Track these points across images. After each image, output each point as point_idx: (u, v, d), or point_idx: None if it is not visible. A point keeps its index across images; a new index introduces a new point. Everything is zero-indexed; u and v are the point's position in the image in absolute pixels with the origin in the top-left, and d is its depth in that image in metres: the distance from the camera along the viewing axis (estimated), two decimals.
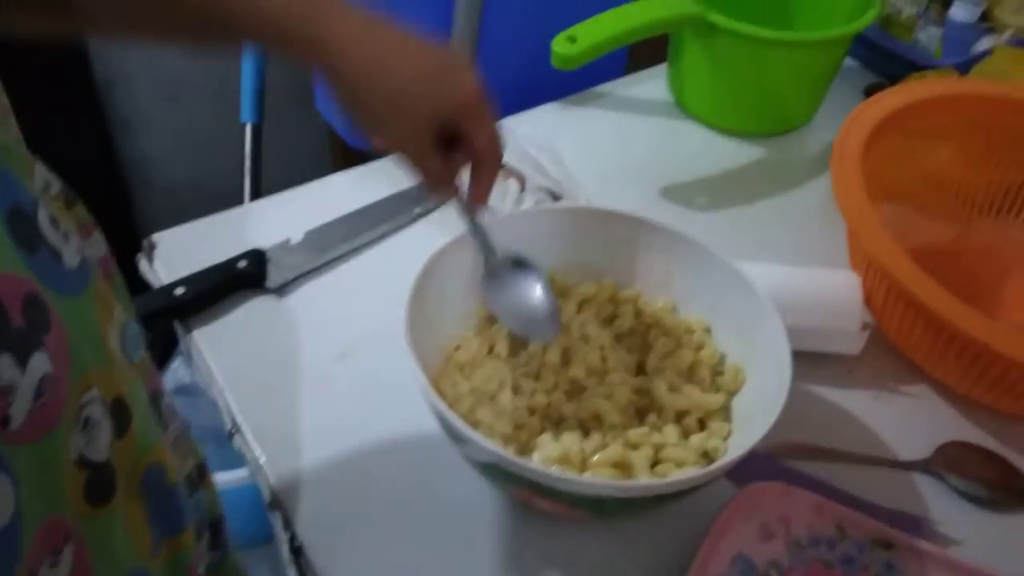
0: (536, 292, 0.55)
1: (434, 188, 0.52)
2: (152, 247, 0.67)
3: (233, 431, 0.58)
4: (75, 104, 1.37)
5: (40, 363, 0.29)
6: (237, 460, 0.58)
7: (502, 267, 0.54)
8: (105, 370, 0.34)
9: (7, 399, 0.27)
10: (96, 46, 1.32)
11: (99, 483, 0.32)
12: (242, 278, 0.64)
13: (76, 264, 0.34)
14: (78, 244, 0.35)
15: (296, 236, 0.68)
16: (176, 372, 1.30)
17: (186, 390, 1.29)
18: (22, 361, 0.28)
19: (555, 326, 0.55)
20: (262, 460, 0.54)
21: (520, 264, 0.55)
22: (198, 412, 1.30)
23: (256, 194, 1.34)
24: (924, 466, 0.56)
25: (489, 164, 0.51)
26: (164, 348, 1.32)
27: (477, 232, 0.54)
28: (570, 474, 0.48)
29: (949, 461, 0.56)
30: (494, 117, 0.50)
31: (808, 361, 0.60)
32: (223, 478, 1.17)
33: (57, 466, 0.30)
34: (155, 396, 0.41)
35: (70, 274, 0.34)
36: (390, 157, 0.80)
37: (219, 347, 0.60)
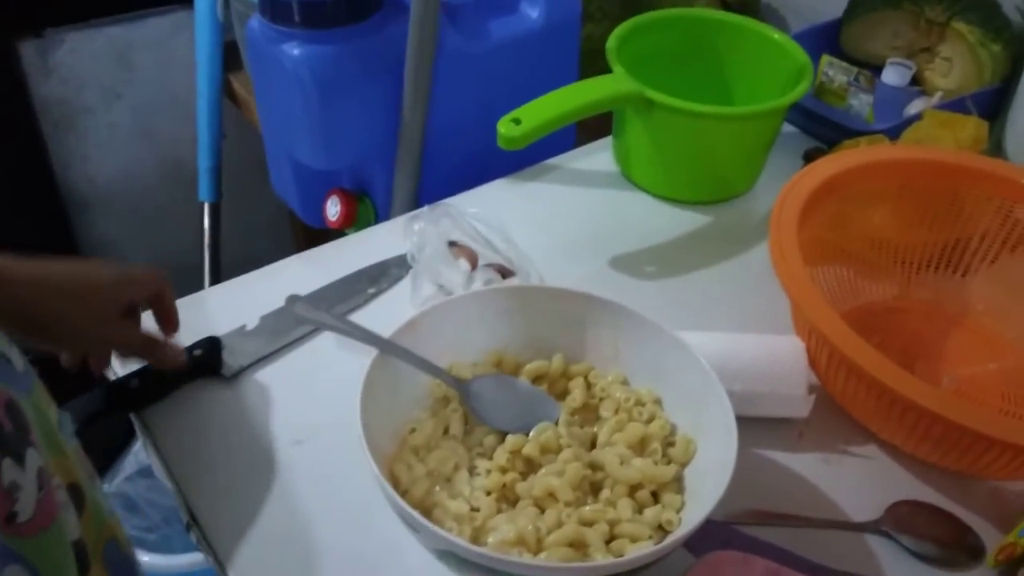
0: (518, 386, 0.59)
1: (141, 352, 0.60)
2: None
3: (189, 525, 0.57)
4: (33, 186, 1.37)
5: (33, 458, 0.33)
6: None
7: (472, 383, 0.58)
8: (61, 459, 0.38)
9: (13, 497, 0.30)
10: (50, 129, 1.33)
11: (80, 559, 0.36)
12: (198, 366, 0.64)
13: (23, 365, 0.37)
14: (22, 356, 0.37)
15: (252, 321, 0.68)
16: (138, 455, 1.28)
17: (148, 472, 1.27)
18: (20, 461, 0.31)
19: (555, 407, 0.58)
20: (220, 555, 0.54)
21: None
22: (160, 494, 1.28)
23: (215, 271, 1.35)
24: (875, 527, 0.57)
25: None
26: (125, 431, 1.30)
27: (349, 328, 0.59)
28: (526, 558, 0.48)
29: (900, 521, 0.57)
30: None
31: (759, 426, 0.61)
32: (185, 560, 1.15)
33: (64, 547, 0.34)
34: (92, 477, 0.45)
35: (21, 376, 0.37)
36: (345, 238, 0.81)
37: (174, 439, 0.60)
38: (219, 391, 0.64)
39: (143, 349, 0.59)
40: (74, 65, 1.31)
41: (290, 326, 0.68)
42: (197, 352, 0.64)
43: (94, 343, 0.58)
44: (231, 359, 0.65)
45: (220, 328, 0.67)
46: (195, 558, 1.15)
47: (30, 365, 0.40)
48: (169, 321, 0.62)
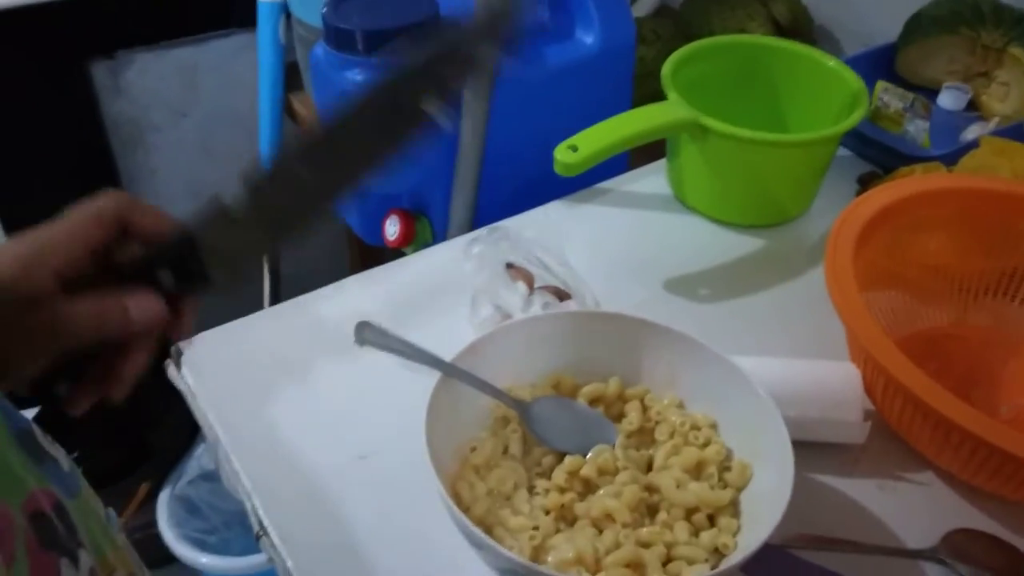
0: (577, 408, 0.60)
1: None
2: (179, 354, 0.70)
3: (260, 534, 0.60)
4: None
5: (86, 559, 0.33)
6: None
7: (532, 404, 0.59)
8: (116, 552, 0.38)
9: None
10: (119, 146, 1.39)
11: None
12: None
13: (69, 466, 0.38)
14: (66, 458, 0.39)
15: (313, 340, 0.71)
16: (200, 459, 1.33)
17: (209, 476, 1.32)
18: (75, 561, 0.32)
19: (613, 429, 0.59)
20: (290, 564, 0.56)
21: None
22: (220, 498, 1.32)
23: (275, 288, 1.39)
24: (931, 554, 0.57)
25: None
26: (189, 435, 1.34)
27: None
28: None
29: (956, 549, 0.58)
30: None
31: (814, 451, 0.61)
32: (244, 563, 1.19)
33: None
34: (141, 567, 0.44)
35: (68, 476, 0.37)
36: (405, 257, 0.84)
37: (248, 447, 0.63)
38: (294, 398, 0.66)
39: (125, 319, 0.44)
40: (143, 85, 1.36)
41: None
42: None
43: (48, 342, 0.43)
44: None
45: (284, 347, 0.70)
46: (253, 560, 1.19)
47: (75, 464, 0.39)
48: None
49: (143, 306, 0.45)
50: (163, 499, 1.26)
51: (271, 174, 0.47)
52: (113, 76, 1.34)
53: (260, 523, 0.59)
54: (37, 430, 0.37)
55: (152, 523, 1.25)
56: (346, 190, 0.47)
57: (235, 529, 1.28)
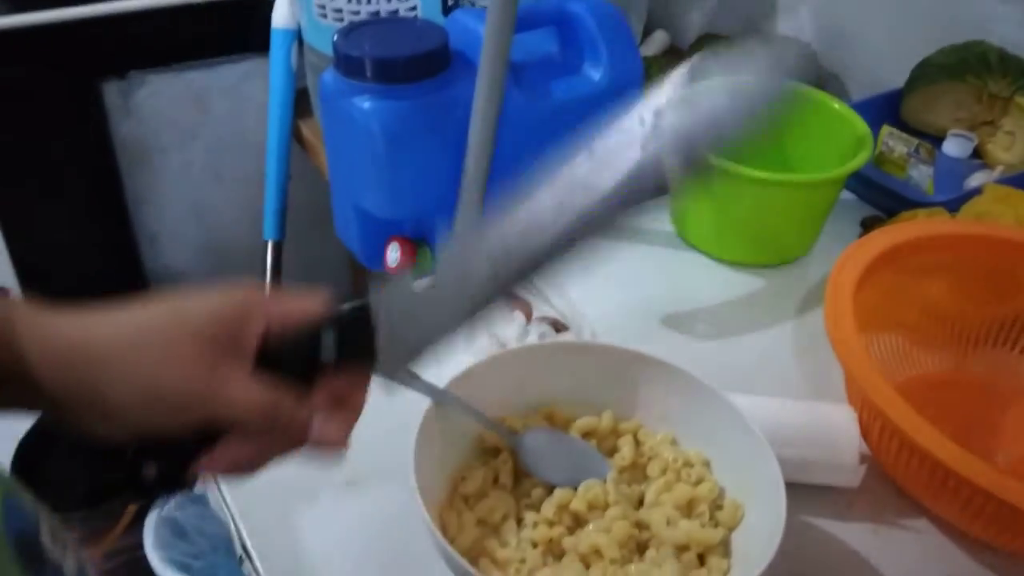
0: (570, 441, 0.60)
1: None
2: None
3: (243, 558, 0.59)
4: (105, 218, 1.43)
5: None
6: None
7: (525, 436, 0.58)
8: None
9: None
10: (127, 166, 1.39)
11: None
12: None
13: (75, 571, 0.36)
14: (75, 553, 0.37)
15: None
16: None
17: (197, 499, 1.30)
18: None
19: (605, 464, 0.58)
20: None
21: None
22: (208, 521, 1.31)
23: None
24: None
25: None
26: None
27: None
28: None
29: None
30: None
31: (808, 493, 0.61)
32: None
33: None
34: None
35: None
36: None
37: None
38: None
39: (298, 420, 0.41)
40: (153, 106, 1.37)
41: None
42: None
43: (213, 416, 0.39)
44: None
45: None
46: None
47: (82, 567, 0.37)
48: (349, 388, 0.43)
49: (328, 429, 0.42)
50: (150, 521, 1.25)
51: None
52: (124, 97, 1.35)
53: (243, 547, 0.59)
54: (46, 529, 0.34)
55: (138, 545, 1.23)
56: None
57: (222, 554, 1.26)
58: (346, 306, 0.43)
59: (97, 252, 1.44)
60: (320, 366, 0.42)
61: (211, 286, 0.41)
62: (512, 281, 0.44)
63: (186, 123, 1.41)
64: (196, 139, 1.42)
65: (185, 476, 0.42)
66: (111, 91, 1.34)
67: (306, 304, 0.42)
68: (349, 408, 0.44)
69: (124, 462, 0.41)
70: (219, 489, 0.62)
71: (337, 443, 0.42)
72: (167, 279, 1.53)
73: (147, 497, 0.44)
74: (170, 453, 0.41)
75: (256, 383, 0.40)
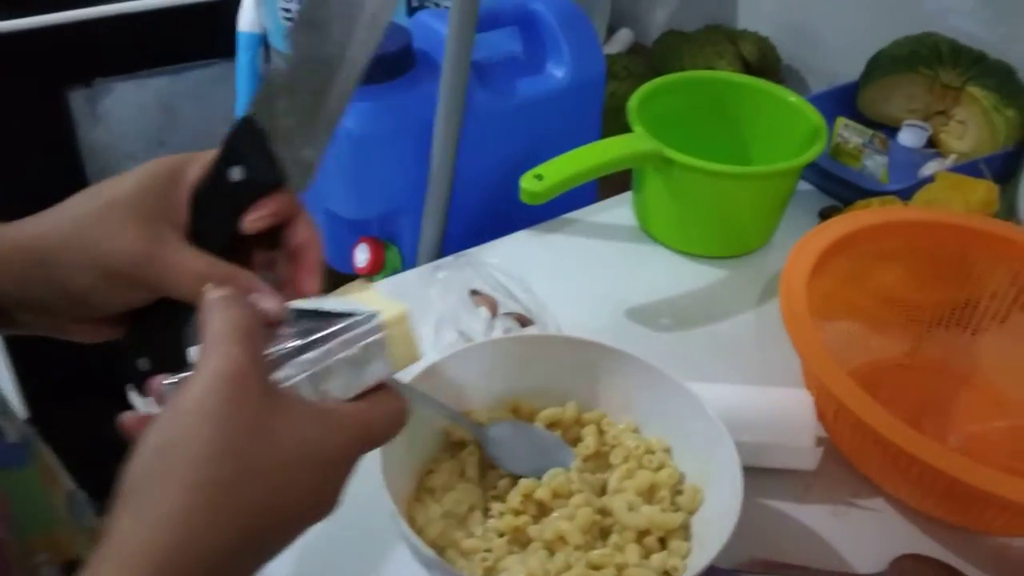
0: (534, 432, 0.61)
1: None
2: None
3: None
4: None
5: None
6: None
7: (490, 428, 0.59)
8: (50, 536, 0.36)
9: None
10: (95, 174, 1.39)
11: None
12: None
13: (18, 439, 0.37)
14: (21, 423, 0.38)
15: None
16: None
17: None
18: None
19: (570, 453, 0.60)
20: None
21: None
22: None
23: None
24: None
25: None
26: None
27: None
28: None
29: (904, 574, 0.58)
30: None
31: (767, 477, 0.62)
32: None
33: None
34: None
35: (11, 448, 0.36)
36: (372, 284, 0.84)
37: None
38: None
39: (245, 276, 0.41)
40: (121, 113, 1.37)
41: None
42: None
43: (164, 284, 0.41)
44: None
45: None
46: None
47: (36, 435, 0.38)
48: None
49: (263, 301, 0.40)
50: None
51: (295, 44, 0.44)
52: (90, 104, 1.35)
53: None
54: None
55: None
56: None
57: None
58: (232, 128, 0.43)
59: None
60: (239, 200, 0.43)
61: (141, 165, 0.43)
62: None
63: (154, 130, 1.41)
64: (164, 146, 1.42)
65: (177, 362, 0.42)
66: (77, 99, 1.34)
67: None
68: (307, 253, 0.44)
69: (120, 362, 0.44)
70: None
71: (275, 313, 0.40)
72: None
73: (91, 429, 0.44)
74: (157, 343, 0.44)
75: (199, 254, 0.41)
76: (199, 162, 0.43)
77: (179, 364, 0.41)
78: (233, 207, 0.43)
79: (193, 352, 0.39)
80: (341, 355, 0.38)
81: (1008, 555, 0.60)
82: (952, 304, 0.74)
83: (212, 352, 0.34)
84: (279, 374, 0.37)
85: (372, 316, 0.39)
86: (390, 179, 0.90)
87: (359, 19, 0.42)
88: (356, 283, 0.47)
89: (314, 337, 0.38)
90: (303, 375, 0.38)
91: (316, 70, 0.43)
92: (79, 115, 1.34)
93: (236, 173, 0.43)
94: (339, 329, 0.39)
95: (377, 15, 0.42)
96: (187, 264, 0.41)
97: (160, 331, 0.43)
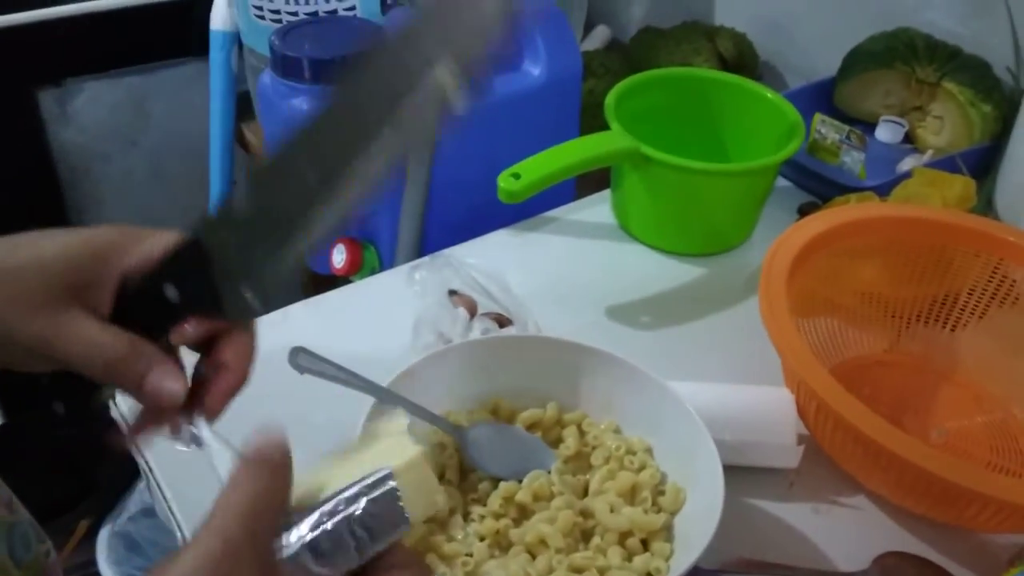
0: (515, 434, 0.60)
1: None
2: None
3: None
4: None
5: None
6: None
7: (470, 430, 0.59)
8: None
9: None
10: (67, 175, 1.37)
11: None
12: None
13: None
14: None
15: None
16: (142, 494, 1.29)
17: (151, 512, 1.28)
18: None
19: (551, 455, 0.59)
20: None
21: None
22: (162, 534, 1.29)
23: None
24: None
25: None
26: (131, 469, 1.32)
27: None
28: None
29: (887, 571, 0.58)
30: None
31: (750, 475, 0.62)
32: None
33: None
34: None
35: None
36: (350, 285, 0.83)
37: (178, 478, 0.62)
38: (231, 427, 0.65)
39: (122, 365, 0.39)
40: (92, 113, 1.35)
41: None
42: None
43: (66, 360, 0.39)
44: None
45: None
46: None
47: None
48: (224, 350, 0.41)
49: (163, 381, 0.39)
50: (103, 536, 1.23)
51: (270, 164, 0.40)
52: (61, 104, 1.32)
53: None
54: None
55: (91, 562, 1.21)
56: (357, 180, 0.38)
57: None
58: (177, 244, 0.40)
59: None
60: (171, 313, 0.40)
61: (79, 229, 0.41)
62: (334, 181, 0.38)
63: (126, 130, 1.39)
64: (136, 146, 1.41)
65: (89, 411, 0.42)
66: (47, 99, 1.31)
67: (161, 243, 0.40)
68: (230, 370, 0.42)
69: (37, 400, 0.42)
70: (164, 500, 0.61)
71: (169, 396, 0.39)
72: None
73: (63, 432, 0.43)
74: (71, 391, 0.42)
75: (106, 329, 0.39)
76: (138, 251, 0.40)
77: (93, 414, 0.41)
78: (159, 316, 0.41)
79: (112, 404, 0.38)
80: (344, 513, 0.35)
81: (989, 550, 0.60)
82: (931, 300, 0.74)
83: (210, 527, 0.33)
84: (283, 544, 0.34)
85: (380, 470, 0.36)
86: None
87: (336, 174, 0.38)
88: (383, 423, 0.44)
89: (325, 503, 0.35)
90: (301, 544, 0.34)
91: (276, 221, 0.39)
92: (49, 115, 1.32)
93: (170, 291, 0.40)
94: (344, 488, 0.36)
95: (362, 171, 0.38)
96: (93, 341, 0.39)
97: (76, 379, 0.41)
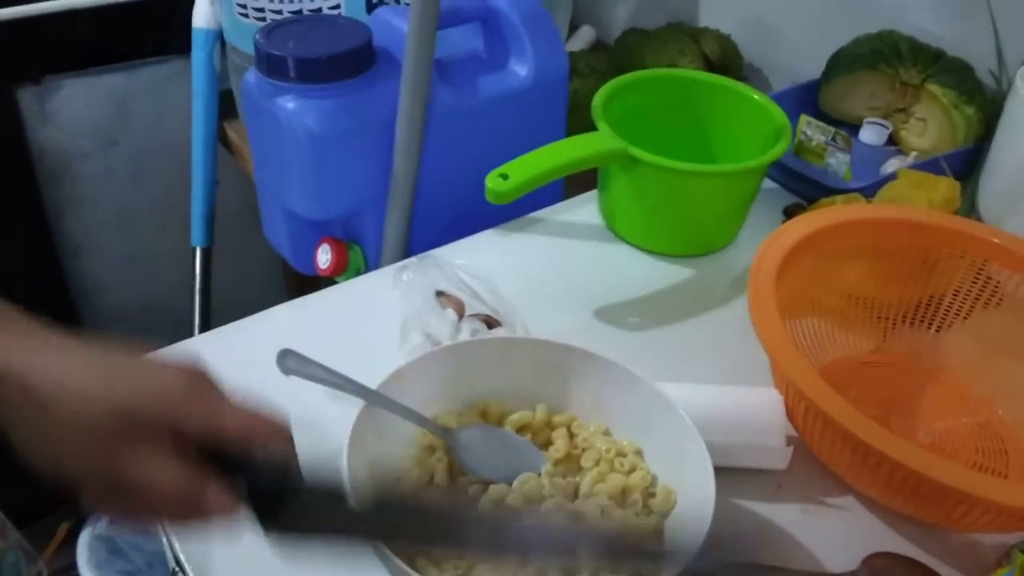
0: (504, 436, 0.60)
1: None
2: None
3: (176, 571, 0.58)
4: (25, 230, 1.38)
5: None
6: None
7: (459, 433, 0.58)
8: None
9: None
10: (46, 175, 1.35)
11: None
12: None
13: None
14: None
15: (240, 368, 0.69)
16: None
17: None
18: None
19: (540, 457, 0.59)
20: None
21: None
22: (144, 538, 1.28)
23: (205, 317, 1.36)
24: None
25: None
26: None
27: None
28: None
29: (876, 572, 0.58)
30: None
31: (739, 477, 0.62)
32: None
33: None
34: None
35: None
36: (335, 286, 0.83)
37: None
38: None
39: (181, 508, 0.41)
40: (72, 112, 1.33)
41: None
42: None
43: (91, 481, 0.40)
44: None
45: None
46: None
47: None
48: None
49: (221, 505, 0.41)
50: (84, 540, 1.21)
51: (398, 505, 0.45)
52: (40, 102, 1.30)
53: (176, 560, 0.58)
54: None
55: (72, 565, 1.20)
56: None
57: (159, 570, 1.23)
58: (316, 481, 0.44)
59: (17, 269, 1.39)
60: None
61: (158, 356, 0.41)
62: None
63: (107, 128, 1.37)
64: (117, 144, 1.39)
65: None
66: (26, 97, 1.29)
67: (262, 427, 0.42)
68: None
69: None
70: None
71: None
72: (92, 293, 1.48)
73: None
74: None
75: (174, 466, 0.39)
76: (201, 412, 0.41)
77: None
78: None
79: None
80: None
81: (978, 550, 0.60)
82: (916, 301, 0.75)
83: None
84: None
85: None
86: (351, 179, 0.88)
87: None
88: None
89: None
90: None
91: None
92: (28, 113, 1.30)
93: (239, 478, 0.42)
94: None
95: None
96: (148, 481, 0.39)
97: None
